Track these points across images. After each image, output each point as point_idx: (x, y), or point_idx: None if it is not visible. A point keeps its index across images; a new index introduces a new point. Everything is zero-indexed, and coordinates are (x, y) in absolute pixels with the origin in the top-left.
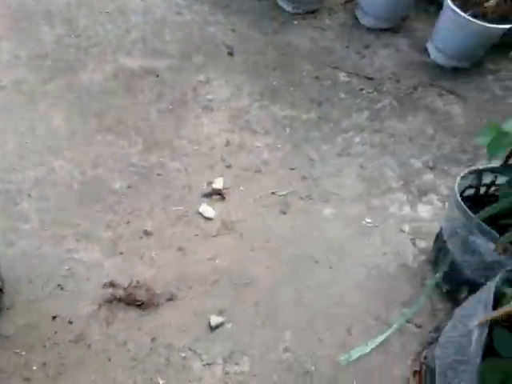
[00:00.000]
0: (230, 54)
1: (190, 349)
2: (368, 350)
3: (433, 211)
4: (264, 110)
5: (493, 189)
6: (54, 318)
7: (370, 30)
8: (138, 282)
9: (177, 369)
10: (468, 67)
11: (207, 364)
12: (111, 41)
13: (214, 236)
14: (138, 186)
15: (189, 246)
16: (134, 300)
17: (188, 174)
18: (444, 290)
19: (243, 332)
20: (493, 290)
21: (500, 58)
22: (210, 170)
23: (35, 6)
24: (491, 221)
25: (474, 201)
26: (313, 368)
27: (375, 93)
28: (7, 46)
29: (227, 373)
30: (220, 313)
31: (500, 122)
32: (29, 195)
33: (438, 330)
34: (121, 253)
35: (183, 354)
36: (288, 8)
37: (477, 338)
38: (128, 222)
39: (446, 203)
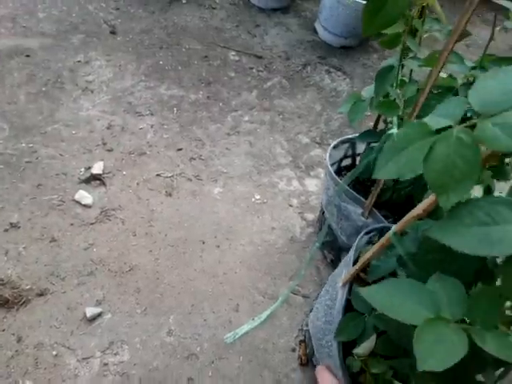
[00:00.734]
0: (113, 32)
1: (62, 345)
2: (254, 326)
3: (320, 185)
4: (149, 91)
5: None
6: None
7: (260, 9)
8: (1, 280)
9: (47, 368)
10: (354, 46)
11: (83, 359)
12: None
13: (92, 224)
14: (3, 176)
15: (63, 236)
16: None
17: (63, 160)
18: (328, 260)
19: (123, 321)
20: (354, 249)
21: None
22: (89, 154)
23: None
24: (363, 186)
25: (351, 169)
26: (198, 349)
27: (265, 72)
28: None
29: (106, 364)
30: (98, 304)
31: None
32: None
33: (318, 297)
34: None
35: (54, 352)
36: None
37: (339, 298)
38: None
39: None
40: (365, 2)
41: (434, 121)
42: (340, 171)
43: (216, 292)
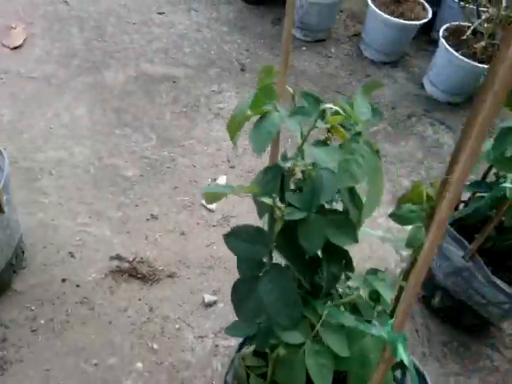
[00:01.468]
0: (243, 70)
1: (184, 321)
2: None
3: None
4: None
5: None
6: (63, 280)
7: (372, 61)
8: (141, 258)
9: (170, 338)
10: (459, 102)
11: (199, 336)
12: (135, 48)
13: (214, 226)
14: (149, 176)
15: (190, 232)
16: (137, 273)
17: (195, 170)
18: (420, 296)
19: (233, 312)
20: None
21: None
22: (216, 168)
23: (68, 12)
24: (463, 230)
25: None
26: None
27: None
28: (41, 43)
29: (216, 346)
30: (214, 293)
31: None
32: (50, 173)
33: None
34: (128, 232)
35: (177, 326)
36: (299, 35)
37: None
38: (137, 206)
39: None
40: (475, 64)
41: None
42: None
43: None
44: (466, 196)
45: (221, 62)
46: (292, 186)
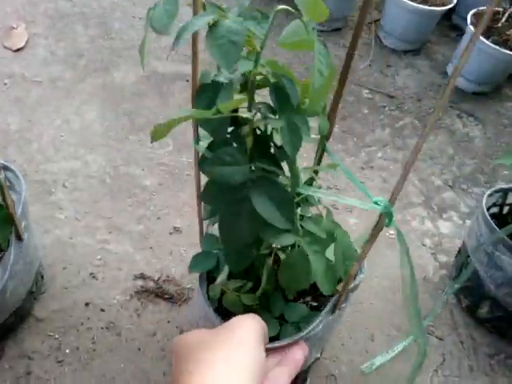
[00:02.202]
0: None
1: None
2: (388, 358)
3: (453, 228)
4: None
5: None
6: (86, 304)
7: (392, 50)
8: (167, 276)
9: None
10: (487, 92)
11: None
12: None
13: None
14: (168, 185)
15: None
16: (163, 293)
17: None
18: (464, 305)
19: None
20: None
21: None
22: None
23: (71, 8)
24: None
25: (498, 219)
26: (336, 371)
27: (397, 111)
28: (44, 43)
29: None
30: None
31: None
32: (64, 186)
33: None
34: (151, 247)
35: None
36: (314, 25)
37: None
38: (158, 218)
39: (467, 221)
40: (507, 52)
41: None
42: None
43: (353, 319)
44: None
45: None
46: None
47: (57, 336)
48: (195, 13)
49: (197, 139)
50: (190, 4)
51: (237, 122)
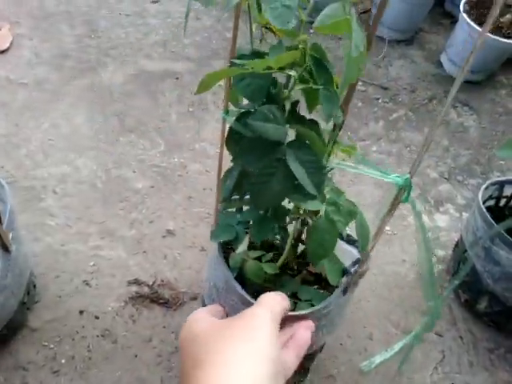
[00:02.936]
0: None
1: None
2: (388, 357)
3: (450, 221)
4: None
5: None
6: (81, 312)
7: (384, 40)
8: (162, 281)
9: None
10: (481, 80)
11: None
12: (131, 43)
13: None
14: (160, 187)
15: (210, 246)
16: (158, 298)
17: (209, 175)
18: (462, 300)
19: None
20: None
21: None
22: None
23: (56, 7)
24: None
25: (495, 211)
26: (335, 371)
27: (391, 103)
28: (29, 44)
29: None
30: None
31: None
32: (54, 192)
33: None
34: (144, 251)
35: None
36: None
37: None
38: (151, 222)
39: (464, 213)
40: (502, 40)
41: None
42: None
43: (351, 318)
44: (509, 191)
45: (224, 51)
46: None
47: (52, 346)
48: None
49: (226, 110)
50: None
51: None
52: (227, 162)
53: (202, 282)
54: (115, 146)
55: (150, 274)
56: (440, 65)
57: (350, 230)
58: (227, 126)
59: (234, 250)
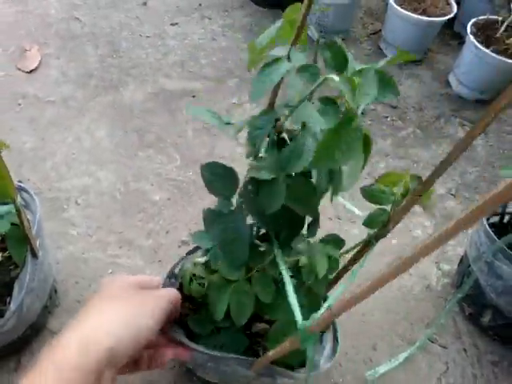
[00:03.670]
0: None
1: None
2: (393, 367)
3: (456, 237)
4: None
5: None
6: None
7: None
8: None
9: None
10: (489, 100)
11: None
12: (151, 63)
13: None
14: (176, 200)
15: None
16: None
17: None
18: (467, 313)
19: None
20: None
21: None
22: None
23: (81, 29)
24: None
25: (499, 227)
26: (340, 380)
27: (399, 121)
28: (56, 63)
29: None
30: None
31: None
32: (76, 202)
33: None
34: (160, 260)
35: None
36: (315, 37)
37: None
38: (167, 232)
39: (469, 229)
40: (508, 60)
41: None
42: None
43: (355, 329)
44: None
45: (239, 71)
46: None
47: None
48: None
49: None
50: None
51: None
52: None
53: None
54: (134, 160)
55: None
56: (448, 84)
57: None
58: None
59: None
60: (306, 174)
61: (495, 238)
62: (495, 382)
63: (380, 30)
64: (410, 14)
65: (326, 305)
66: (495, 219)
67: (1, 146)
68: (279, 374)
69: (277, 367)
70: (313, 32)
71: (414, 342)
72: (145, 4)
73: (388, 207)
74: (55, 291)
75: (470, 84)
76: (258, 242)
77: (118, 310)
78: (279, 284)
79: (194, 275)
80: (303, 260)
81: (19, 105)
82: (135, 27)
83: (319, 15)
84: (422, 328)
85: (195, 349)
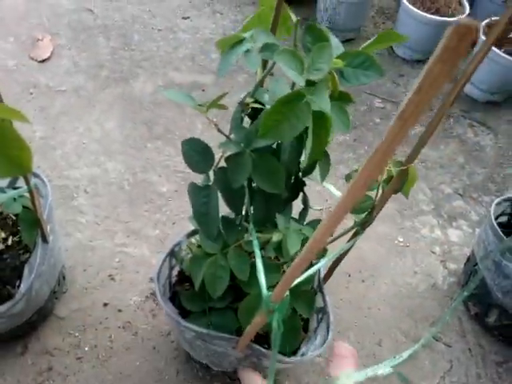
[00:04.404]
0: (271, 75)
1: None
2: (396, 363)
3: (463, 236)
4: None
5: None
6: (105, 304)
7: (404, 60)
8: None
9: None
10: (500, 101)
11: None
12: (162, 56)
13: None
14: (183, 191)
15: None
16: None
17: None
18: (472, 313)
19: None
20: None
21: None
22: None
23: (94, 21)
24: None
25: (507, 227)
26: None
27: None
28: (68, 54)
29: None
30: None
31: None
32: (85, 191)
33: None
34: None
35: None
36: None
37: None
38: (174, 223)
39: (476, 229)
40: None
41: None
42: None
43: (360, 324)
44: None
45: (248, 66)
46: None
47: (76, 334)
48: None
49: None
50: None
51: None
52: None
53: None
54: (143, 152)
55: None
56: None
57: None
58: None
59: None
60: (275, 152)
61: (503, 236)
62: (499, 382)
63: (391, 29)
64: (422, 13)
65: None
66: (504, 219)
67: (15, 117)
68: (264, 356)
69: (261, 348)
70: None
71: (418, 339)
72: None
73: (372, 194)
74: (63, 277)
75: (481, 85)
76: (231, 217)
77: None
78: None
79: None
80: (275, 237)
81: (31, 94)
82: (147, 20)
83: (331, 13)
84: (426, 326)
85: (185, 326)
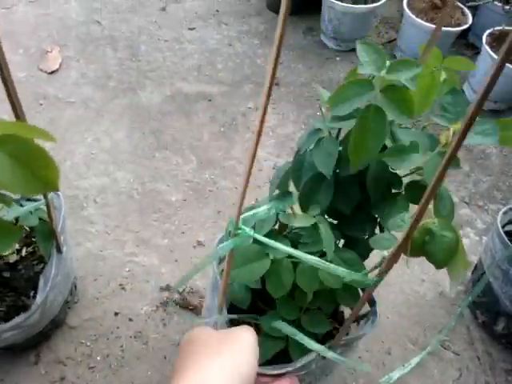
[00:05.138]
0: (277, 84)
1: None
2: (405, 372)
3: (470, 244)
4: None
5: None
6: (116, 314)
7: None
8: (191, 288)
9: None
10: (504, 109)
11: None
12: (168, 66)
13: None
14: (192, 201)
15: None
16: (188, 304)
17: (238, 192)
18: (480, 321)
19: None
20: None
21: None
22: (259, 189)
23: (101, 32)
24: None
25: None
26: (353, 383)
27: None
28: (76, 65)
29: None
30: None
31: None
32: (94, 201)
33: None
34: (176, 260)
35: None
36: (331, 45)
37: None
38: (183, 233)
39: (483, 237)
40: None
41: None
42: None
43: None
44: None
45: (255, 76)
46: None
47: (88, 343)
48: None
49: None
50: None
51: None
52: (253, 180)
53: None
54: (151, 161)
55: None
56: (462, 93)
57: None
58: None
59: None
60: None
61: (510, 245)
62: None
63: (395, 39)
64: (425, 23)
65: None
66: (511, 227)
67: (47, 138)
68: None
69: None
70: (327, 41)
71: (427, 347)
72: (164, 9)
73: None
74: (75, 287)
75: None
76: None
77: (218, 363)
78: None
79: None
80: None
81: (40, 105)
82: (154, 31)
83: (335, 23)
84: (434, 334)
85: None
